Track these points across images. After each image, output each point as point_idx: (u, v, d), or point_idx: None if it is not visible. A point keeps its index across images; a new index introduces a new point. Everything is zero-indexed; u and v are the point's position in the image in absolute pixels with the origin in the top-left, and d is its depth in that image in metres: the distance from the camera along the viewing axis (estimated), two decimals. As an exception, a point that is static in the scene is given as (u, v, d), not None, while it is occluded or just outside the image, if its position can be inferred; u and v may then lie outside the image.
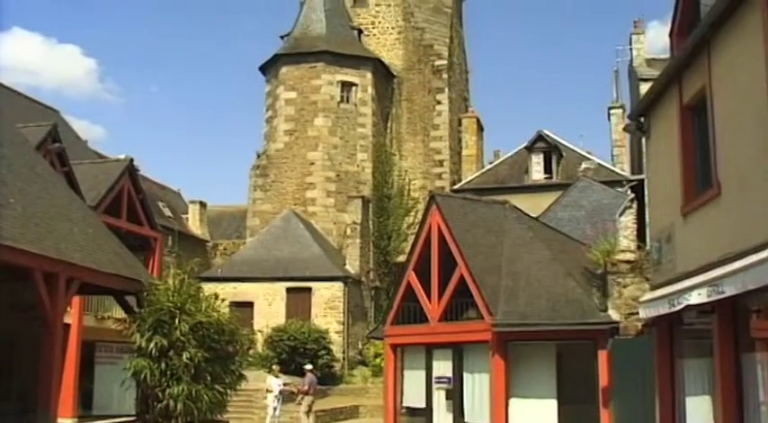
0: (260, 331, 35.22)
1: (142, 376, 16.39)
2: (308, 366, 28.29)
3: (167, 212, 45.78)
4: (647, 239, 16.92)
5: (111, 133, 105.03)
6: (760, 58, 10.25)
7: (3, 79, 31.25)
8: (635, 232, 23.15)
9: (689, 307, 12.20)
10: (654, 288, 15.23)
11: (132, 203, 26.14)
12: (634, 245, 21.22)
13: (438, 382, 21.33)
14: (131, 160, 26.59)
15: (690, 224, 13.30)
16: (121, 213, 25.27)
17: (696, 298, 11.64)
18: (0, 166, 14.61)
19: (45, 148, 21.24)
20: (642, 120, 16.18)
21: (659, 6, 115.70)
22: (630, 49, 31.94)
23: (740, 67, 11.16)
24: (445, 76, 48.48)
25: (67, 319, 18.95)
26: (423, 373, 21.88)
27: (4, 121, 17.97)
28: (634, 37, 31.90)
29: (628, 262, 18.24)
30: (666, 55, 21.14)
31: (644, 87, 23.63)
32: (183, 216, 49.15)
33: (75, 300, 19.76)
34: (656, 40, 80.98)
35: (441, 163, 47.51)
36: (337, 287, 37.68)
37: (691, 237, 13.24)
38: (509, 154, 44.40)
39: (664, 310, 13.37)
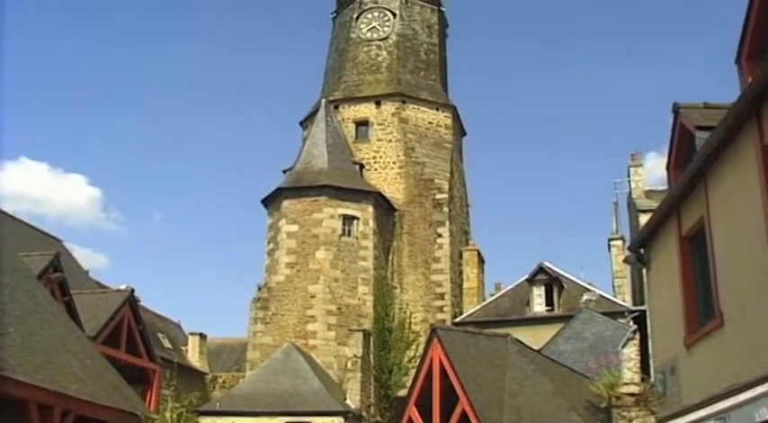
0: (258, 467, 34.42)
1: None
2: None
3: (167, 344, 45.37)
4: (652, 371, 16.76)
5: (114, 262, 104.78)
6: (756, 189, 10.40)
7: (7, 208, 31.65)
8: (638, 364, 22.84)
9: (696, 440, 11.98)
10: (660, 422, 14.99)
11: (132, 334, 26.05)
12: (638, 377, 20.90)
13: None
14: (132, 291, 26.66)
15: (694, 355, 13.19)
16: (121, 344, 25.15)
17: (703, 431, 11.46)
18: (1, 294, 14.62)
19: (46, 278, 21.33)
20: (642, 251, 16.30)
21: (656, 138, 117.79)
22: (629, 181, 32.34)
23: (737, 198, 11.30)
24: (446, 209, 48.83)
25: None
26: None
27: (7, 249, 18.08)
28: (632, 169, 32.35)
29: (632, 395, 17.99)
30: (664, 186, 21.43)
31: (643, 219, 23.84)
32: (183, 348, 48.69)
33: (69, 433, 19.37)
34: (653, 170, 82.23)
35: (442, 296, 47.27)
36: (338, 422, 37.01)
37: (695, 368, 13.11)
38: (510, 286, 44.33)
39: (671, 444, 13.13)
